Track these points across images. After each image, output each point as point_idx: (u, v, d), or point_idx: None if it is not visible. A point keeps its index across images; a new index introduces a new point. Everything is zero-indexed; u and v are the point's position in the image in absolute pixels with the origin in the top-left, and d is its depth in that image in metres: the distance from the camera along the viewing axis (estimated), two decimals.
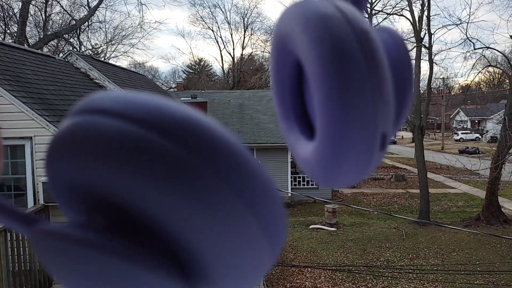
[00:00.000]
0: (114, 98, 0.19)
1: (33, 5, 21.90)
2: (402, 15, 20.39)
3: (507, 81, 23.56)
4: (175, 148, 0.17)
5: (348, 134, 0.22)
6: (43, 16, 23.79)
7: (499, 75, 53.04)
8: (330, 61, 0.21)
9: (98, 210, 0.19)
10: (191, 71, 60.82)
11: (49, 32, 22.83)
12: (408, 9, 18.60)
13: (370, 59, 0.22)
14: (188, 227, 0.18)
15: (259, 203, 0.19)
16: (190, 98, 19.16)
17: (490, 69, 27.49)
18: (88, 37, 32.58)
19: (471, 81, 25.59)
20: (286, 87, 0.29)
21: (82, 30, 28.25)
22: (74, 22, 23.07)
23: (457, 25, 18.88)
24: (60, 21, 25.06)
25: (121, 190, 0.18)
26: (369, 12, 22.21)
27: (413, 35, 19.22)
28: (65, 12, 24.03)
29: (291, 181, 21.39)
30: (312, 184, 21.92)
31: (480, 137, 51.71)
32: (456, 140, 52.02)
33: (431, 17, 18.38)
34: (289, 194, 19.64)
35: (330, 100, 0.22)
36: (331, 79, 0.21)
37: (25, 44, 18.92)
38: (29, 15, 21.45)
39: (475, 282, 11.86)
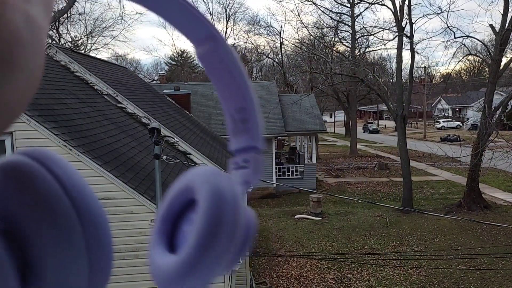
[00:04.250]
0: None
1: None
2: (383, 5, 20.48)
3: (487, 69, 23.93)
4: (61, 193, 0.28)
5: (206, 256, 0.35)
6: None
7: (479, 64, 53.84)
8: (213, 216, 0.36)
9: (4, 221, 0.28)
10: (173, 62, 60.24)
11: None
12: None
13: (234, 223, 0.36)
14: (40, 241, 0.27)
15: (94, 244, 0.29)
16: (173, 90, 18.98)
17: (470, 57, 27.82)
18: (67, 29, 31.88)
19: (452, 70, 25.87)
20: (173, 211, 0.41)
21: (61, 22, 27.75)
22: (52, 14, 22.58)
23: (437, 14, 19.04)
24: None
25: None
26: (351, 1, 22.24)
27: (394, 24, 19.35)
28: None
29: (276, 171, 21.43)
30: (297, 175, 22.00)
31: (461, 125, 52.52)
32: (438, 128, 52.79)
33: (412, 6, 18.50)
34: (274, 185, 19.69)
35: (203, 234, 0.35)
36: (209, 224, 0.35)
37: None
38: None
39: (457, 267, 12.11)
